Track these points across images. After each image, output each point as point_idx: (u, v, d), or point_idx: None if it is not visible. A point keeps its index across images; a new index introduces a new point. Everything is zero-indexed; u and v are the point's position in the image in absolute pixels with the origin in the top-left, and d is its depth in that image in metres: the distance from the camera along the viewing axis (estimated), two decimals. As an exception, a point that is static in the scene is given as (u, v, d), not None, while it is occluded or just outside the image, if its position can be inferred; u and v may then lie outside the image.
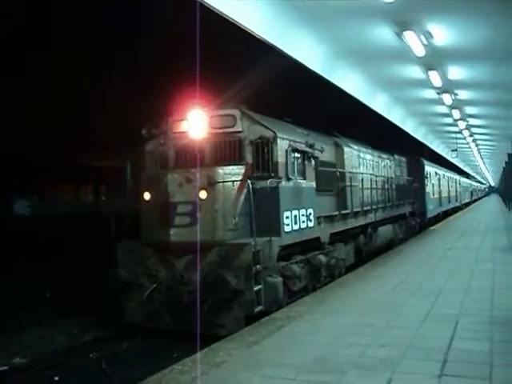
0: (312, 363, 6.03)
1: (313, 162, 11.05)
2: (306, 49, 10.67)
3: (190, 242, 8.70)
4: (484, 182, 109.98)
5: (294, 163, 10.18)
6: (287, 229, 9.70)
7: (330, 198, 12.45)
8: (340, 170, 13.11)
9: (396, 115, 19.80)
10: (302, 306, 9.34)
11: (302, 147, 10.57)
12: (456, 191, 42.92)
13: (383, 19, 9.19)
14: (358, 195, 14.18)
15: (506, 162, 39.73)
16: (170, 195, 8.97)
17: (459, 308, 8.41)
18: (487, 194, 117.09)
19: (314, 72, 11.61)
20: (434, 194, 28.60)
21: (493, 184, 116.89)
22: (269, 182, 9.31)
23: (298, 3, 8.82)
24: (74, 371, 8.10)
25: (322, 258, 11.25)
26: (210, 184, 8.91)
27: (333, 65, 11.99)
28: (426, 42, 9.78)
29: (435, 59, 11.27)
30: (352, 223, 13.77)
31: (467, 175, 69.19)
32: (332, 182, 12.43)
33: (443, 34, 9.64)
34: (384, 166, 18.32)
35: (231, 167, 9.34)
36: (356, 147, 15.11)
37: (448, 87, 14.17)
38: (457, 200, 43.25)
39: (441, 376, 5.39)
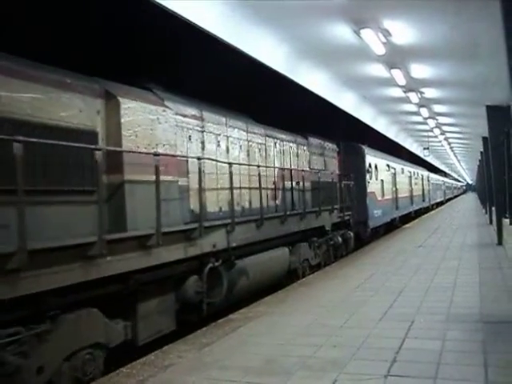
0: (260, 365, 5.98)
1: None
2: (267, 48, 10.55)
3: None
4: (461, 180, 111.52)
5: None
6: None
7: (50, 211, 5.69)
8: (101, 146, 6.38)
9: (366, 114, 19.78)
10: (261, 306, 9.29)
11: None
12: (423, 190, 37.48)
13: (341, 17, 9.12)
14: (171, 202, 7.53)
15: (479, 161, 40.11)
16: None
17: (418, 307, 8.44)
18: (464, 192, 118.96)
19: (276, 72, 11.50)
20: (383, 195, 22.06)
21: (470, 182, 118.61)
22: None
23: (254, 2, 8.69)
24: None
25: None
26: None
27: (296, 64, 11.90)
28: (384, 40, 9.75)
29: (396, 57, 11.26)
30: (136, 263, 6.52)
31: (445, 173, 69.80)
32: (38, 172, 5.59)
33: (401, 32, 9.60)
34: (282, 152, 12.36)
35: None
36: (191, 110, 8.81)
37: (413, 86, 14.19)
38: (424, 200, 37.69)
39: (387, 376, 5.39)
